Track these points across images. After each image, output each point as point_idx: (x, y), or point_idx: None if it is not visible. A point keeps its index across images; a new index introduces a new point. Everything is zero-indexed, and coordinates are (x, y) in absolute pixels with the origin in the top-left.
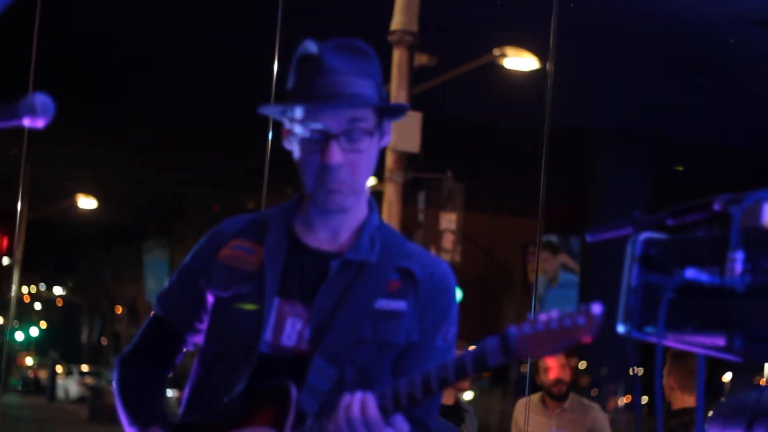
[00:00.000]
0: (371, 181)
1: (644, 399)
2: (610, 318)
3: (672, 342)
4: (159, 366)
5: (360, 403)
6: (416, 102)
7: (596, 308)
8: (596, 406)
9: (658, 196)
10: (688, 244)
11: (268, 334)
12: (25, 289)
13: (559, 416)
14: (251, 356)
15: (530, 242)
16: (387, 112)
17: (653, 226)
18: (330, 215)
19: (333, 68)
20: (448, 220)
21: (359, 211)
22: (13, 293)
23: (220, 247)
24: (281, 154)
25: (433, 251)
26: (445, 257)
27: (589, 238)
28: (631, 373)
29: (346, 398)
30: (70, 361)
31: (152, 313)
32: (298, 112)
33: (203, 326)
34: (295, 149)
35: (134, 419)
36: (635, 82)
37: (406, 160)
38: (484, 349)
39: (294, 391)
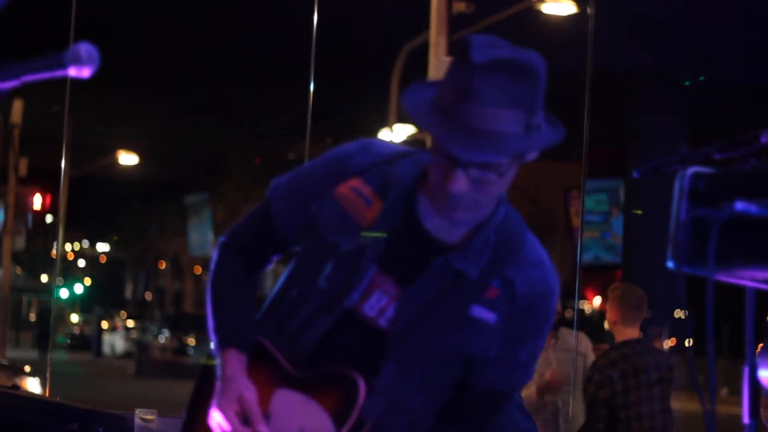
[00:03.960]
0: (411, 130)
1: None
2: (654, 261)
3: (722, 276)
4: (259, 258)
5: None
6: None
7: None
8: (583, 334)
9: (700, 140)
10: (736, 177)
11: (355, 296)
12: (68, 247)
13: (555, 347)
14: (333, 311)
15: (573, 186)
16: None
17: (701, 161)
18: None
19: (484, 97)
20: None
21: (482, 212)
22: (57, 251)
23: (343, 177)
24: (323, 106)
25: None
26: None
27: (636, 175)
28: (678, 313)
29: None
30: (115, 316)
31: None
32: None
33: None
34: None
35: (217, 329)
36: (676, 25)
37: None
38: None
39: (362, 394)
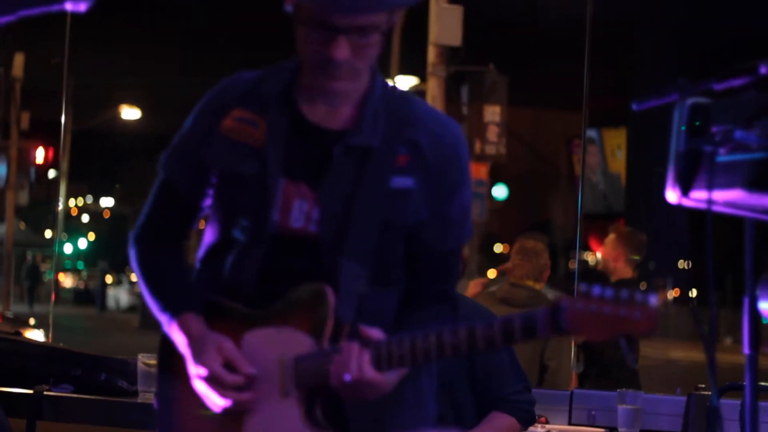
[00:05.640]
0: (413, 81)
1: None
2: (658, 210)
3: (721, 207)
4: (176, 236)
5: (357, 362)
6: None
7: (653, 300)
8: None
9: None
10: (735, 107)
11: (275, 215)
12: (72, 202)
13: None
14: (262, 237)
15: (575, 135)
16: None
17: (699, 92)
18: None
19: None
20: (492, 113)
21: (361, 82)
22: (60, 206)
23: (223, 115)
24: None
25: (478, 144)
26: (490, 150)
27: (635, 107)
28: (682, 264)
29: (349, 354)
30: (119, 271)
31: (160, 179)
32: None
33: (211, 191)
34: (297, 24)
35: (164, 306)
36: None
37: (448, 53)
38: (534, 320)
39: (331, 298)
